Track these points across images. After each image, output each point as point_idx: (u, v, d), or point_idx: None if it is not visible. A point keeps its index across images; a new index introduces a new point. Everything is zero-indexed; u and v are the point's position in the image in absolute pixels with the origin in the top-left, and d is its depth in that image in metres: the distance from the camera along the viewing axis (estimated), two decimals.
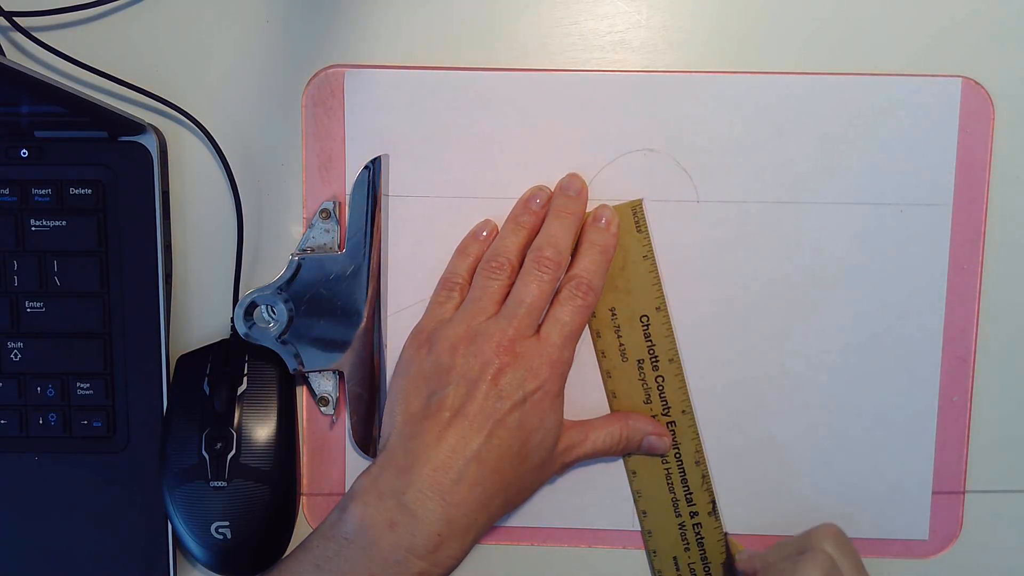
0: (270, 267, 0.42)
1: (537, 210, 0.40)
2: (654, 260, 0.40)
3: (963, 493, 0.42)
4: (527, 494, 0.40)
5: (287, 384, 0.41)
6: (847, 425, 0.41)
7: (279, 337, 0.40)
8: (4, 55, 0.41)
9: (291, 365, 0.40)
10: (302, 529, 0.42)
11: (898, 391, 0.41)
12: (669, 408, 0.41)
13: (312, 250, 0.41)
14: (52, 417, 0.41)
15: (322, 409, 0.42)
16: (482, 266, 0.40)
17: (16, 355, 0.40)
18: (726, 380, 0.41)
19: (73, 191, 0.40)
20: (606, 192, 0.41)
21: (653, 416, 0.41)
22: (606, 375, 0.41)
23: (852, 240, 0.41)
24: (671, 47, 0.41)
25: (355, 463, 0.42)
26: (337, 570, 0.36)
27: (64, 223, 0.40)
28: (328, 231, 0.41)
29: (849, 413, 0.41)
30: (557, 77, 0.41)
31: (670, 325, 0.40)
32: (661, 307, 0.40)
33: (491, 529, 0.42)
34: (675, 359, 0.40)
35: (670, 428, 0.41)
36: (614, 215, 0.40)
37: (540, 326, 0.38)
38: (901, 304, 0.41)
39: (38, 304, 0.40)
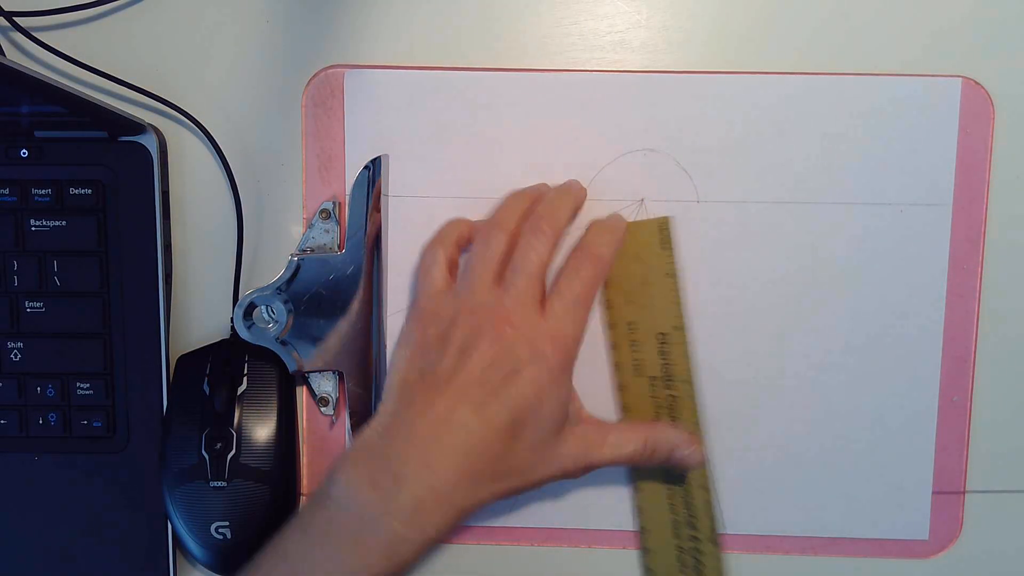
0: (270, 267, 0.42)
1: (542, 191, 0.40)
2: (677, 279, 0.40)
3: (963, 493, 0.42)
4: (520, 479, 0.37)
5: (287, 384, 0.41)
6: (847, 425, 0.41)
7: (279, 337, 0.40)
8: (4, 55, 0.41)
9: (291, 365, 0.40)
10: None
11: (898, 391, 0.41)
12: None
13: (312, 250, 0.41)
14: (52, 417, 0.41)
15: (322, 409, 0.42)
16: (480, 231, 0.39)
17: (16, 355, 0.40)
18: (726, 380, 0.41)
19: (73, 191, 0.40)
20: (606, 192, 0.41)
21: None
22: (618, 387, 0.41)
23: (852, 240, 0.41)
24: (671, 47, 0.41)
25: None
26: (319, 531, 0.35)
27: (64, 223, 0.40)
28: (328, 231, 0.41)
29: (849, 413, 0.41)
30: (557, 77, 0.41)
31: (687, 345, 0.40)
32: (680, 327, 0.40)
33: (489, 528, 0.42)
34: (689, 380, 0.40)
35: None
36: (622, 217, 0.40)
37: (545, 299, 0.38)
38: (901, 304, 0.41)
39: (38, 304, 0.40)
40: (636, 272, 0.40)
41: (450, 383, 0.36)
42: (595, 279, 0.38)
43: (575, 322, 0.38)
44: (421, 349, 0.38)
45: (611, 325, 0.40)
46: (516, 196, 0.40)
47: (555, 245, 0.38)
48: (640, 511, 0.41)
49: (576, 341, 0.38)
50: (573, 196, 0.40)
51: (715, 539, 0.41)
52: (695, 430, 0.40)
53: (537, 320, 0.37)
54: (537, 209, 0.39)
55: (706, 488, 0.41)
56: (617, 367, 0.41)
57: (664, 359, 0.40)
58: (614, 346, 0.41)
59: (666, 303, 0.40)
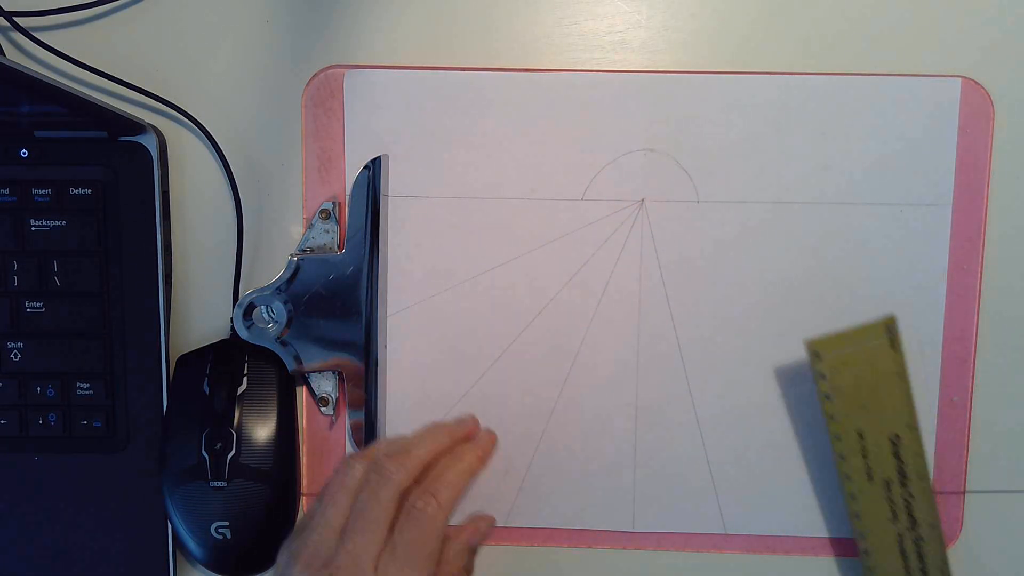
0: (270, 267, 0.42)
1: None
2: (907, 378, 0.39)
3: (963, 493, 0.42)
4: None
5: (287, 384, 0.41)
6: None
7: (278, 338, 0.40)
8: (4, 55, 0.41)
9: (291, 365, 0.40)
10: None
11: None
12: (917, 524, 0.40)
13: (312, 250, 0.41)
14: (52, 417, 0.41)
15: (322, 409, 0.42)
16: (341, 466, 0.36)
17: (16, 355, 0.40)
18: (726, 379, 0.41)
19: (73, 191, 0.40)
20: (606, 192, 0.41)
21: (899, 532, 0.40)
22: (850, 497, 0.40)
23: (852, 240, 0.41)
24: (671, 47, 0.41)
25: None
26: None
27: (64, 223, 0.40)
28: (328, 231, 0.41)
29: None
30: (557, 77, 0.41)
31: (921, 443, 0.39)
32: (913, 425, 0.39)
33: (491, 529, 0.42)
34: (925, 475, 0.39)
35: (916, 544, 0.39)
36: (493, 439, 0.40)
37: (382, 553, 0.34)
38: (901, 304, 0.41)
39: (38, 304, 0.40)
40: (864, 378, 0.39)
41: None
42: (435, 522, 0.34)
43: None
44: None
45: (837, 437, 0.39)
46: (433, 429, 0.39)
47: (402, 486, 0.35)
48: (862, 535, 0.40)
49: None
50: (446, 433, 0.38)
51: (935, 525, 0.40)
52: (934, 523, 0.39)
53: None
54: (386, 447, 0.36)
55: (945, 572, 0.40)
56: (847, 477, 0.39)
57: (898, 460, 0.39)
58: (842, 457, 0.39)
59: (897, 404, 0.39)
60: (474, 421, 0.41)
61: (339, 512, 0.35)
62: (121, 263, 0.40)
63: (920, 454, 0.39)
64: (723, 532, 0.42)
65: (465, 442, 0.40)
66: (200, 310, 0.42)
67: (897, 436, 0.39)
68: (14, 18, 0.40)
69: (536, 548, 0.42)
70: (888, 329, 0.39)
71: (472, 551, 0.38)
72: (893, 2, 0.40)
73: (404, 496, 0.35)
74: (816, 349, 0.39)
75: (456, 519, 0.42)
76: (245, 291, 0.41)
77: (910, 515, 0.39)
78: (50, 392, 0.40)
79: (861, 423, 0.39)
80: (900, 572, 0.40)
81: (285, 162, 0.41)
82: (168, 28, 0.41)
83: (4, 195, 0.40)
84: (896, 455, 0.39)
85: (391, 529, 0.34)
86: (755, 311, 0.41)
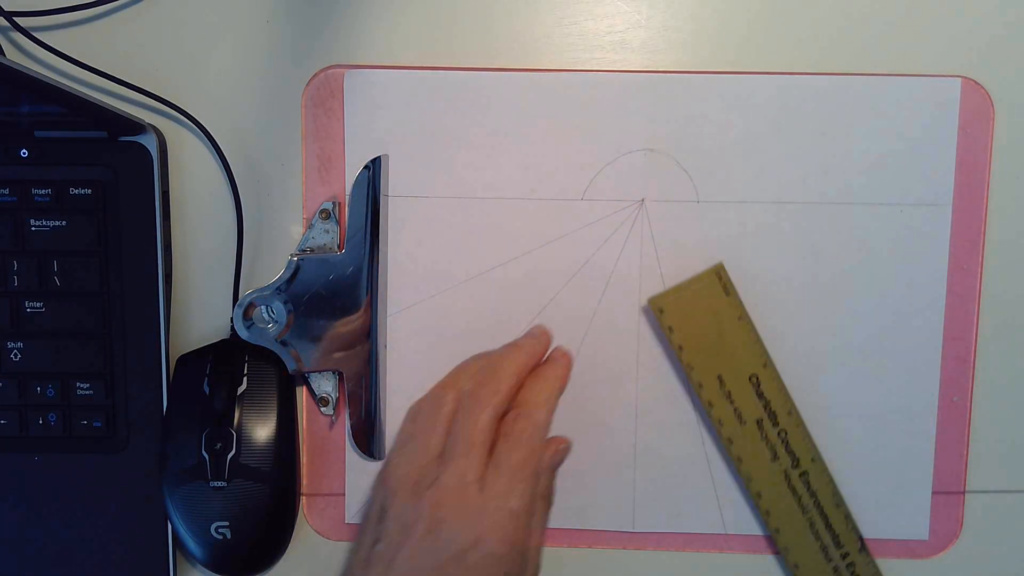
0: (270, 267, 0.42)
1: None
2: (750, 320, 0.40)
3: (963, 493, 0.42)
4: None
5: (287, 384, 0.41)
6: (847, 425, 0.41)
7: (278, 337, 0.40)
8: (4, 55, 0.41)
9: (290, 365, 0.40)
10: (302, 529, 0.42)
11: (898, 391, 0.41)
12: (798, 460, 0.40)
13: (312, 250, 0.41)
14: (52, 417, 0.41)
15: (322, 409, 0.42)
16: (435, 392, 0.38)
17: (16, 355, 0.40)
18: None
19: (73, 191, 0.40)
20: (606, 192, 0.41)
21: (783, 470, 0.40)
22: (727, 442, 0.40)
23: (852, 240, 0.41)
24: (671, 47, 0.41)
25: (355, 463, 0.42)
26: None
27: (64, 223, 0.40)
28: (328, 231, 0.41)
29: (849, 413, 0.41)
30: (557, 77, 0.41)
31: (780, 379, 0.40)
32: (767, 363, 0.40)
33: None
34: (793, 411, 0.40)
35: (803, 479, 0.40)
36: (568, 356, 0.40)
37: (485, 472, 0.35)
38: (901, 304, 0.41)
39: (38, 304, 0.40)
40: (710, 326, 0.40)
41: (389, 569, 0.34)
42: (534, 440, 0.36)
43: (519, 494, 0.34)
44: (371, 522, 0.36)
45: (701, 385, 0.40)
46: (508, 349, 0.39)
47: (498, 410, 0.36)
48: (786, 551, 0.41)
49: (523, 513, 0.35)
50: (525, 352, 0.39)
51: (864, 549, 0.41)
52: (814, 456, 0.40)
53: (476, 500, 0.34)
54: (479, 371, 0.37)
55: (840, 505, 0.40)
56: (720, 423, 0.40)
57: (763, 399, 0.40)
58: (711, 404, 0.40)
59: (746, 346, 0.40)
60: (546, 336, 0.40)
61: (437, 439, 0.36)
62: (121, 263, 0.40)
63: (781, 389, 0.40)
64: (723, 532, 0.42)
65: (543, 361, 0.40)
66: (200, 310, 0.42)
67: (755, 376, 0.40)
68: (14, 18, 0.40)
69: None
70: (719, 276, 0.40)
71: (553, 471, 0.38)
72: (893, 2, 0.40)
73: (498, 419, 0.36)
74: (658, 305, 0.40)
75: None
76: (245, 291, 0.41)
77: (789, 452, 0.40)
78: (50, 392, 0.40)
79: (718, 368, 0.40)
80: (794, 509, 0.40)
81: (285, 162, 0.41)
82: (168, 28, 0.41)
83: (4, 195, 0.40)
84: (759, 394, 0.40)
85: (490, 452, 0.35)
86: (755, 311, 0.41)
